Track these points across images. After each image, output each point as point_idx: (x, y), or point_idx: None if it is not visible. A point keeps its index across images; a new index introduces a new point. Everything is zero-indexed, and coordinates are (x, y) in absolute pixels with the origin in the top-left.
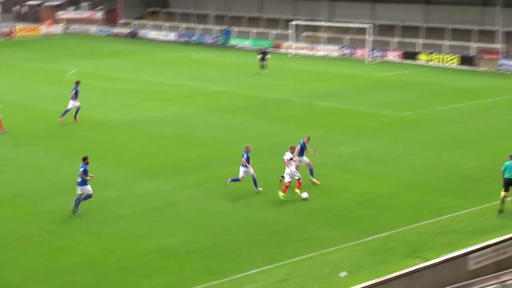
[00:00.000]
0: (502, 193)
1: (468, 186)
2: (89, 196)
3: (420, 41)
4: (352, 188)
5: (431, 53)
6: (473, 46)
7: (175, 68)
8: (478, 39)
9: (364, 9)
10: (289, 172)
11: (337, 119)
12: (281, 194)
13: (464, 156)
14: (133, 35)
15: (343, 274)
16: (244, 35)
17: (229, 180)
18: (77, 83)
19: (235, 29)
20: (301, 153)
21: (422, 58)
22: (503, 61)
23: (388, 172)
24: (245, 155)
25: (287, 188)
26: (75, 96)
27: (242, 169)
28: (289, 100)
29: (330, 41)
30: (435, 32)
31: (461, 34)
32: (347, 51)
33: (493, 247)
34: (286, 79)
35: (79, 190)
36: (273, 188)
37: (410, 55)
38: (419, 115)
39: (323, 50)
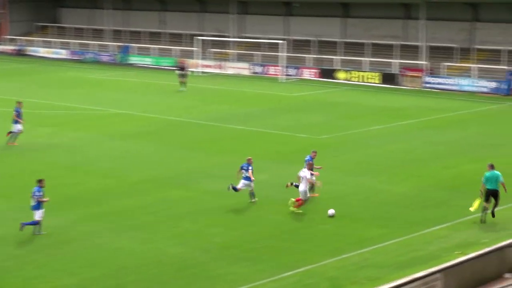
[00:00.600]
0: (484, 204)
1: (392, 214)
2: (35, 223)
3: (338, 57)
4: (267, 219)
5: (350, 70)
6: (395, 63)
7: (68, 89)
8: (400, 55)
9: (277, 23)
10: (302, 190)
11: (250, 144)
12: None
13: (387, 181)
14: (20, 53)
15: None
16: (144, 52)
17: (231, 186)
18: (19, 103)
19: (134, 45)
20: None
21: (341, 76)
22: (427, 79)
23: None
24: (250, 168)
25: (301, 205)
26: (18, 117)
27: (244, 182)
28: (196, 123)
29: (240, 58)
30: (354, 48)
31: (382, 50)
32: (259, 69)
33: (421, 281)
34: (193, 100)
35: (36, 215)
36: (178, 222)
37: (328, 72)
38: (338, 137)
39: (232, 68)
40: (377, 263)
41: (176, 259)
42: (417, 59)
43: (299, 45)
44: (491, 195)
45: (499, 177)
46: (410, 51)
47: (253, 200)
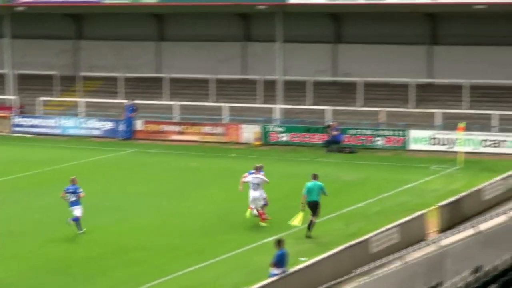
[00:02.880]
0: (311, 217)
1: None
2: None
3: None
4: None
5: None
6: None
7: None
8: None
9: None
10: (258, 196)
11: None
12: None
13: None
14: None
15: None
16: None
17: (70, 220)
18: None
19: None
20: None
21: None
22: (18, 120)
23: None
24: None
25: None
26: None
27: (77, 207)
28: None
29: None
30: None
31: None
32: None
33: None
34: None
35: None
36: None
37: None
38: None
39: None
40: None
41: None
42: (2, 93)
43: None
44: (312, 207)
45: (322, 188)
46: None
47: (80, 232)
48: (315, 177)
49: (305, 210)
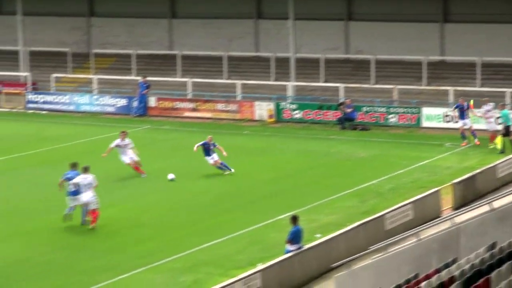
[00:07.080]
0: (505, 138)
1: None
2: None
3: None
4: None
5: None
6: None
7: None
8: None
9: None
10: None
11: None
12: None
13: None
14: None
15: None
16: None
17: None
18: None
19: None
20: (462, 115)
21: None
22: (31, 97)
23: None
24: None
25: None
26: None
27: (72, 197)
28: None
29: None
30: None
31: None
32: None
33: None
34: None
35: None
36: None
37: None
38: None
39: None
40: None
41: None
42: (16, 70)
43: None
44: (508, 130)
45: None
46: (6, 58)
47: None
48: (503, 106)
49: (503, 135)
